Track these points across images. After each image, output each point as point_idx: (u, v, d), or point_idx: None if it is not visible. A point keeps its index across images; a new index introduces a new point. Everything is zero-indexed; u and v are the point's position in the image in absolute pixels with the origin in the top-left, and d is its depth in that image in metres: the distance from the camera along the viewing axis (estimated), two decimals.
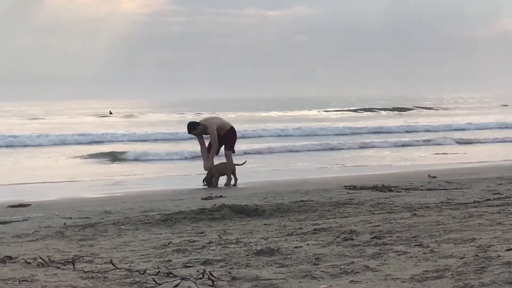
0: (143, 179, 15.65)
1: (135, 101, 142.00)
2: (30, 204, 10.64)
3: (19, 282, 4.47)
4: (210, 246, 6.03)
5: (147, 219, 8.24)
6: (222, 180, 13.23)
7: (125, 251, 6.08)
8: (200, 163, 13.88)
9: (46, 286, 4.37)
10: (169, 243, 6.31)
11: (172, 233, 7.10)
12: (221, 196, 10.75)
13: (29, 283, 4.48)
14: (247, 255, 5.47)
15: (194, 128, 13.38)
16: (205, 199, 10.58)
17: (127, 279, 4.63)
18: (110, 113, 65.42)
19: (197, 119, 14.50)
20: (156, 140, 29.38)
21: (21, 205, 10.54)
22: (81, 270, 4.95)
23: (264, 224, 7.45)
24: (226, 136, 13.43)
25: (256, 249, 5.63)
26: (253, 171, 17.10)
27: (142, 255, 5.81)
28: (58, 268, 5.07)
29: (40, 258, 5.35)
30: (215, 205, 8.86)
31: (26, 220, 8.80)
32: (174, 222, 7.95)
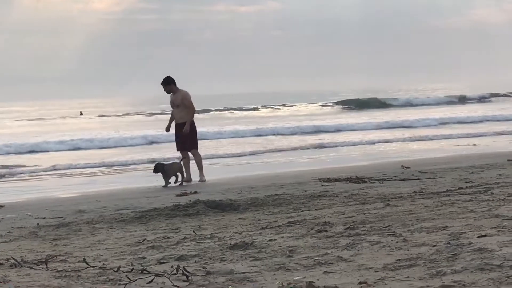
0: (116, 177, 15.57)
1: (109, 100, 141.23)
2: (4, 205, 10.56)
3: None
4: (185, 242, 6.02)
5: (121, 217, 8.21)
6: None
7: (99, 249, 6.05)
8: None
9: (19, 286, 4.34)
10: (143, 240, 6.29)
11: (147, 230, 7.08)
12: (196, 192, 10.75)
13: (1, 284, 4.44)
14: (222, 250, 5.47)
15: (171, 83, 13.26)
16: (180, 195, 10.57)
17: (101, 277, 4.60)
18: (81, 114, 64.66)
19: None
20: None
21: None
22: (54, 270, 4.92)
23: (239, 219, 7.46)
24: (192, 130, 13.34)
25: (230, 244, 5.64)
26: (227, 166, 17.13)
27: (116, 252, 5.78)
28: (31, 268, 5.04)
29: (13, 258, 5.30)
30: (189, 201, 8.85)
31: None
32: (148, 219, 7.93)
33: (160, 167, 13.00)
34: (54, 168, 17.97)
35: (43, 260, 5.24)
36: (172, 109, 13.53)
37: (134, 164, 18.59)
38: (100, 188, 12.95)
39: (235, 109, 58.07)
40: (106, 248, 6.06)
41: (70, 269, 4.90)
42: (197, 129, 13.68)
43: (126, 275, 4.51)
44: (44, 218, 8.77)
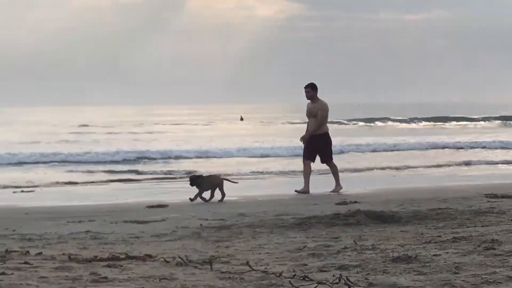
0: (275, 183, 15.72)
1: (270, 106, 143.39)
2: (168, 205, 10.91)
3: (160, 280, 4.57)
4: (346, 252, 5.96)
5: (282, 223, 8.24)
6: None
7: (260, 253, 6.10)
8: None
9: (185, 285, 4.44)
10: (304, 247, 6.29)
11: (307, 237, 7.07)
12: (355, 202, 10.64)
13: (168, 281, 4.56)
14: (384, 262, 5.37)
15: (315, 89, 13.03)
16: (339, 204, 10.49)
17: (263, 281, 4.63)
18: (241, 119, 65.53)
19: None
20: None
21: (159, 206, 10.83)
22: (218, 271, 5.01)
23: (401, 231, 7.30)
24: (326, 142, 13.04)
25: (393, 256, 5.52)
26: (388, 178, 16.91)
27: (277, 258, 5.81)
28: (196, 267, 5.15)
29: (179, 257, 5.45)
30: (349, 210, 8.77)
31: (164, 220, 9.02)
32: (308, 226, 7.91)
33: (195, 180, 11.78)
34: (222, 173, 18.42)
35: (207, 260, 5.35)
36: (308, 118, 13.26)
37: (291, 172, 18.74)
38: (259, 193, 13.07)
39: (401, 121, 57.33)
40: (267, 253, 6.10)
41: (234, 271, 4.97)
42: (330, 141, 13.19)
43: (289, 281, 4.51)
44: (206, 219, 8.96)
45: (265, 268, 5.19)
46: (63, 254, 5.89)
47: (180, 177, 17.71)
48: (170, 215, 9.59)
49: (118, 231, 7.99)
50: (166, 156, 24.65)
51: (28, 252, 5.96)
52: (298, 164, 21.53)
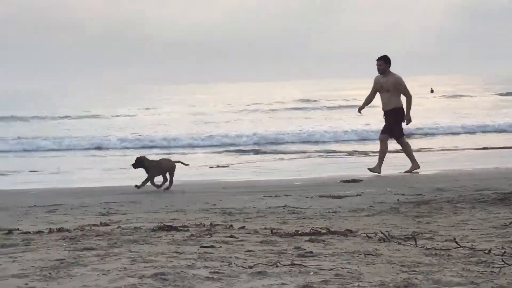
0: (475, 157, 15.19)
1: (463, 77, 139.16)
2: (362, 180, 10.85)
3: (365, 256, 4.53)
4: None
5: (483, 198, 7.94)
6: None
7: (463, 229, 5.90)
8: None
9: (392, 260, 4.37)
10: (510, 223, 6.01)
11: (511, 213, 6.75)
12: None
13: (374, 257, 4.51)
14: None
15: (389, 62, 12.24)
16: None
17: (472, 258, 4.46)
18: (432, 91, 64.20)
19: None
20: None
21: (353, 181, 10.80)
22: (423, 247, 4.89)
23: None
24: (397, 117, 12.25)
25: None
26: None
27: (483, 234, 5.59)
28: (400, 243, 5.06)
29: (381, 232, 5.38)
30: None
31: (360, 195, 8.97)
32: None
33: (140, 162, 10.52)
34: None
35: (410, 236, 5.24)
36: (377, 91, 12.35)
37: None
38: (457, 167, 12.68)
39: None
40: (471, 229, 5.89)
41: (439, 248, 4.83)
42: (402, 116, 12.33)
43: (501, 259, 4.31)
44: (403, 194, 8.81)
45: (472, 244, 5.00)
46: (265, 228, 6.00)
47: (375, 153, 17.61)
48: (365, 189, 9.52)
49: (315, 205, 8.04)
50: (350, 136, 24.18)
51: (231, 226, 6.13)
52: (485, 138, 20.77)
